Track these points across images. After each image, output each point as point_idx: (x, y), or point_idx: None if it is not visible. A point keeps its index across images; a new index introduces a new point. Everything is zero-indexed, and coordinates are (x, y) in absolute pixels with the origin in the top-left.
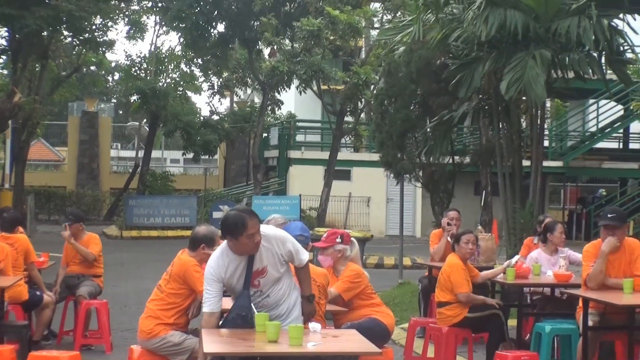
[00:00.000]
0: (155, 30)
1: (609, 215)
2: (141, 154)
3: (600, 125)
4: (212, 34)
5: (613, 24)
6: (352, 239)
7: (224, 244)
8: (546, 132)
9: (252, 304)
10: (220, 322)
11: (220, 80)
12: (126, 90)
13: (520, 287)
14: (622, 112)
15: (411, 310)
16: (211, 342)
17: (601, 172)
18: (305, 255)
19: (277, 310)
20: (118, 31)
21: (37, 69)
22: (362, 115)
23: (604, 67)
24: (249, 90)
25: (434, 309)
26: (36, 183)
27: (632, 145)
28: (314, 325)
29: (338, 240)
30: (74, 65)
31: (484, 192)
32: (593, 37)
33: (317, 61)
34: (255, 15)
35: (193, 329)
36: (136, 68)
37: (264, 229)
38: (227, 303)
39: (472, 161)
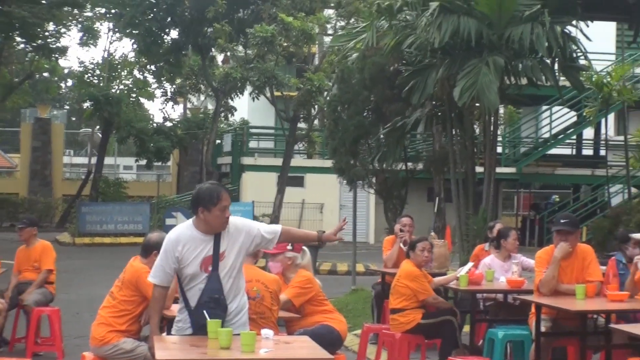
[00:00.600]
0: (108, 37)
1: (561, 221)
2: (94, 160)
3: (554, 131)
4: (165, 41)
5: (566, 30)
6: (303, 247)
7: (189, 221)
8: (499, 139)
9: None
10: (193, 306)
11: (174, 86)
12: (79, 96)
13: (473, 293)
14: (575, 119)
15: (364, 316)
16: (163, 349)
17: (554, 179)
18: (276, 226)
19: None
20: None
21: None
22: (316, 121)
23: (557, 74)
24: (202, 97)
25: (387, 315)
26: None
27: (585, 152)
28: (266, 332)
29: (289, 247)
30: (27, 71)
31: (437, 198)
32: (546, 44)
33: (270, 68)
34: (209, 21)
35: (145, 336)
36: (89, 75)
37: (237, 219)
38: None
39: (425, 167)
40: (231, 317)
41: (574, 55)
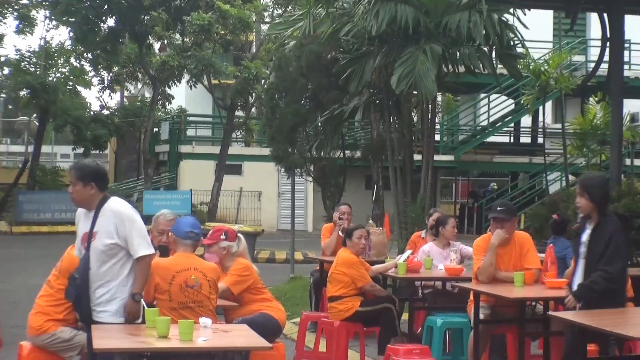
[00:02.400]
0: (44, 25)
1: (498, 209)
2: (31, 149)
3: (491, 119)
4: (102, 29)
5: (503, 18)
6: (238, 235)
7: None
8: (437, 127)
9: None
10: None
11: (111, 74)
12: (15, 84)
13: (412, 281)
14: (512, 107)
15: (303, 304)
16: (100, 338)
17: (492, 166)
18: (141, 251)
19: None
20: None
21: None
22: (253, 109)
23: (494, 62)
24: (139, 85)
25: (325, 303)
26: None
27: (522, 139)
28: (204, 321)
29: (222, 237)
30: None
31: (375, 186)
32: (483, 32)
33: (207, 56)
34: (146, 9)
35: (83, 325)
36: (25, 62)
37: (122, 206)
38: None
39: (363, 155)
40: (96, 303)
41: (512, 43)
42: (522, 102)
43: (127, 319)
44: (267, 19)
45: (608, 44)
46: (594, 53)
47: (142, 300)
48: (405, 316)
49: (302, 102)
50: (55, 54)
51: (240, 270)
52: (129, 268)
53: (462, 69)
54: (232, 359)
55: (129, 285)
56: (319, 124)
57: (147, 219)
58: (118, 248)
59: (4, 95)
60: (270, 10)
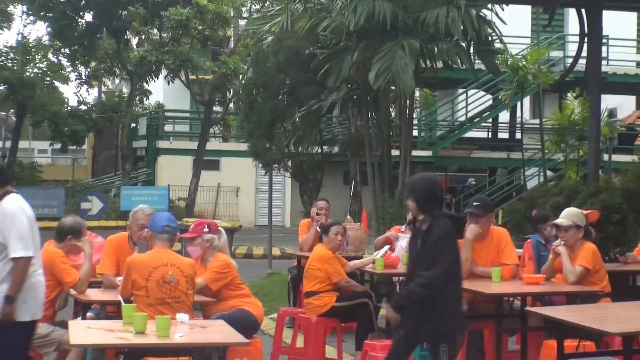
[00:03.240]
0: (22, 20)
1: (474, 204)
2: (8, 144)
3: (469, 115)
4: (80, 24)
5: (481, 14)
6: (219, 228)
7: None
8: (415, 122)
9: None
10: None
11: (88, 70)
12: None
13: (390, 276)
14: (490, 102)
15: (280, 300)
16: (78, 334)
17: (470, 162)
18: (16, 252)
19: None
20: None
21: None
22: (231, 105)
23: (472, 57)
24: (117, 80)
25: (303, 299)
26: None
27: (500, 135)
28: (181, 316)
29: (205, 230)
30: None
31: (353, 181)
32: (462, 27)
33: (185, 51)
34: (123, 4)
35: (60, 321)
36: (3, 58)
37: (9, 204)
38: (95, 294)
39: (341, 151)
40: None
41: (490, 38)
42: (500, 97)
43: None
44: (245, 14)
45: (586, 39)
46: (572, 49)
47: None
48: (381, 311)
49: (280, 97)
50: (33, 49)
51: (220, 267)
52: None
53: (440, 64)
54: (209, 355)
55: None
56: (297, 119)
57: (124, 215)
58: (2, 246)
59: None
60: (248, 5)
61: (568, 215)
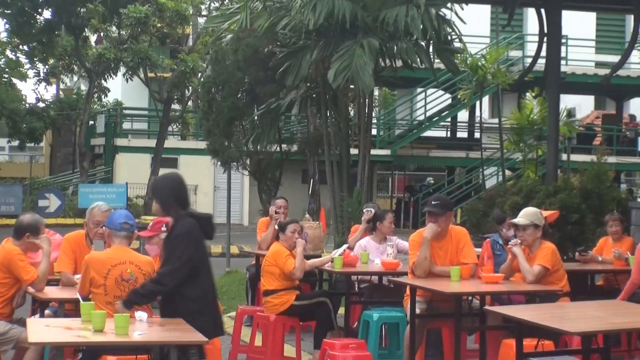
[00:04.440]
0: None
1: (432, 203)
2: None
3: (428, 114)
4: (38, 21)
5: (441, 13)
6: None
7: None
8: (374, 121)
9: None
10: None
11: (46, 67)
12: None
13: (348, 275)
14: (449, 101)
15: (239, 298)
16: (36, 332)
17: (429, 161)
18: None
19: None
20: None
21: None
22: (190, 103)
23: (431, 56)
24: (75, 78)
25: (261, 297)
26: None
27: (459, 134)
28: (140, 314)
29: (164, 228)
30: None
31: (311, 180)
32: (421, 26)
33: (144, 48)
34: (82, 1)
35: (18, 319)
36: None
37: None
38: (53, 292)
39: (299, 149)
40: None
41: (449, 37)
42: (459, 96)
43: None
44: (204, 12)
45: (545, 39)
46: (531, 48)
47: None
48: (341, 310)
49: (239, 95)
50: None
51: None
52: None
53: (399, 63)
54: (167, 353)
55: None
56: (256, 117)
57: (82, 212)
58: None
59: None
60: (207, 3)
61: (526, 215)
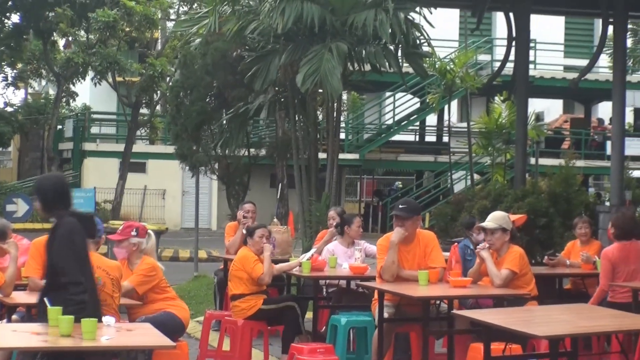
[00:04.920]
0: None
1: (399, 207)
2: None
3: (397, 118)
4: (6, 25)
5: (410, 17)
6: (148, 231)
7: None
8: (342, 125)
9: None
10: None
11: (14, 71)
12: None
13: (316, 279)
14: (418, 105)
15: (207, 303)
16: (3, 337)
17: (397, 165)
18: None
19: None
20: None
21: None
22: (158, 107)
23: (400, 60)
24: (43, 82)
25: (229, 302)
26: None
27: (428, 138)
28: (107, 319)
29: (133, 233)
30: None
31: (279, 184)
32: (390, 30)
33: (112, 53)
34: (50, 5)
35: None
36: None
37: None
38: (21, 297)
39: (268, 154)
40: None
41: (418, 41)
42: (427, 100)
43: None
44: (172, 16)
45: (514, 43)
46: (499, 52)
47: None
48: (309, 315)
49: (207, 99)
50: None
51: (147, 271)
52: None
53: (368, 67)
54: (135, 358)
55: None
56: (224, 121)
57: None
58: None
59: None
60: (176, 7)
61: (494, 219)
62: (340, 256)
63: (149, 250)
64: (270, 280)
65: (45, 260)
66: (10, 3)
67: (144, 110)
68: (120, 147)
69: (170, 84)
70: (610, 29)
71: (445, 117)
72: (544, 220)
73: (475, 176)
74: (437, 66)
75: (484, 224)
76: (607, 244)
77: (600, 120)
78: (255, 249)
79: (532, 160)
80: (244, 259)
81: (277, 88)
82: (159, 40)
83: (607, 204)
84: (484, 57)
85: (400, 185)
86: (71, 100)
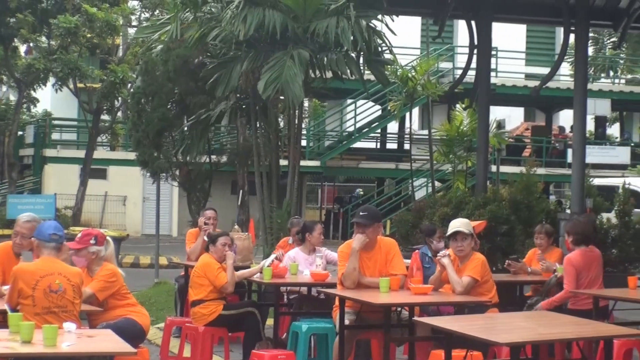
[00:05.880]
0: None
1: (360, 214)
2: None
3: (358, 125)
4: None
5: (371, 24)
6: (107, 238)
7: None
8: (304, 132)
9: None
10: None
11: None
12: None
13: (277, 286)
14: (379, 112)
15: (167, 309)
16: None
17: (358, 172)
18: None
19: None
20: None
21: None
22: (119, 113)
23: (362, 68)
24: (4, 88)
25: (190, 308)
26: None
27: (389, 146)
28: (68, 325)
29: (92, 241)
30: None
31: (241, 191)
32: (351, 38)
33: (73, 59)
34: (11, 11)
35: None
36: None
37: None
38: None
39: (229, 160)
40: None
41: (379, 49)
42: (389, 108)
43: None
44: (134, 23)
45: (475, 51)
46: (461, 60)
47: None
48: (270, 321)
49: (169, 106)
50: None
51: (107, 277)
52: None
53: (329, 74)
54: None
55: None
56: (186, 128)
57: (10, 223)
58: None
59: None
60: (138, 13)
61: (465, 224)
62: (301, 263)
63: (108, 257)
64: (233, 289)
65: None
66: None
67: (105, 117)
68: (81, 154)
69: (132, 90)
70: (572, 37)
71: (407, 124)
72: (505, 228)
73: (437, 184)
74: (398, 74)
75: (460, 229)
76: (567, 252)
77: (561, 128)
78: (217, 256)
79: (494, 168)
80: (206, 266)
81: (238, 95)
82: (121, 47)
83: (568, 211)
84: (445, 65)
85: (362, 193)
86: (32, 106)
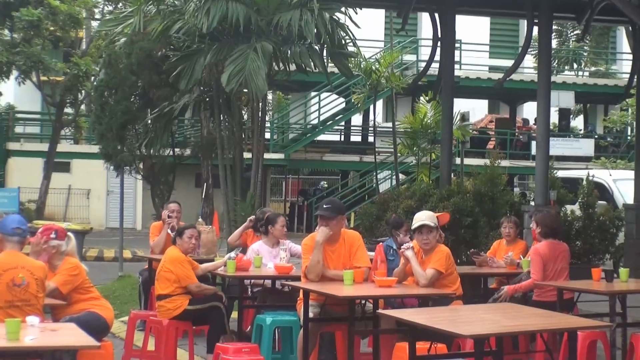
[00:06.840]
0: None
1: (324, 206)
2: None
3: (322, 118)
4: None
5: (335, 17)
6: (68, 233)
7: None
8: (268, 125)
9: None
10: None
11: None
12: None
13: (241, 279)
14: (343, 105)
15: (131, 303)
16: None
17: (322, 165)
18: None
19: None
20: None
21: None
22: (83, 106)
23: (325, 60)
24: None
25: (154, 301)
26: None
27: (353, 138)
28: (31, 319)
29: (52, 236)
30: None
31: (204, 184)
32: (315, 30)
33: (36, 52)
34: None
35: None
36: None
37: None
38: None
39: (193, 153)
40: None
41: (343, 41)
42: (353, 100)
43: None
44: (97, 16)
45: (439, 43)
46: (425, 52)
47: None
48: (234, 315)
49: (132, 99)
50: None
51: (70, 270)
52: None
53: (293, 67)
54: (60, 358)
55: None
56: (149, 121)
57: None
58: None
59: None
60: (101, 6)
61: (431, 217)
62: (265, 256)
63: (70, 251)
64: (197, 289)
65: None
66: None
67: (68, 110)
68: (45, 147)
69: (95, 83)
70: (535, 29)
71: (371, 117)
72: (470, 220)
73: (401, 176)
74: (362, 66)
75: (426, 222)
76: (532, 244)
77: (525, 121)
78: (184, 248)
79: (458, 160)
80: (175, 261)
81: (202, 88)
82: (84, 40)
83: (532, 203)
84: (409, 58)
85: (326, 185)
86: None
